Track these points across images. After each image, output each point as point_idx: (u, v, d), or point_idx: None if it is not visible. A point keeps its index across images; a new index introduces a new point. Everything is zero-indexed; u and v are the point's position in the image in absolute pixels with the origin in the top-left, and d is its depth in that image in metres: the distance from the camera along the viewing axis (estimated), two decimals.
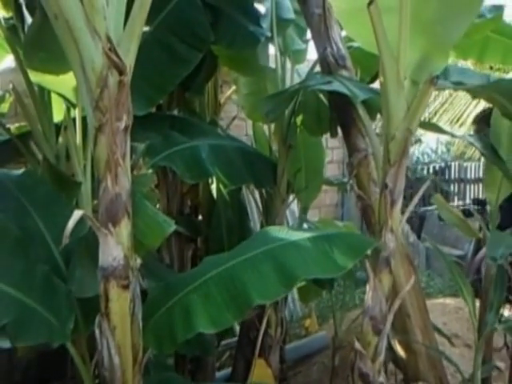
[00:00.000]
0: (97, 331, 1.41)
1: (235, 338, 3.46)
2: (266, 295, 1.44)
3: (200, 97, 2.94)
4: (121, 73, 1.26)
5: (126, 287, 1.39)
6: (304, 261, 1.47)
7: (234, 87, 3.39)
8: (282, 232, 1.64)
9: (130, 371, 1.44)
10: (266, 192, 2.83)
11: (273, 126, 2.81)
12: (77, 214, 1.29)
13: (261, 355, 2.68)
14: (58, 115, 2.30)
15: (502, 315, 2.21)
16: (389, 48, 1.41)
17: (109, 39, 1.22)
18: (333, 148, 5.11)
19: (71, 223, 1.26)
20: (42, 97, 2.25)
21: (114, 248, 1.36)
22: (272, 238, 1.59)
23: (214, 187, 3.09)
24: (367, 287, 1.65)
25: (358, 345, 1.63)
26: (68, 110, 2.16)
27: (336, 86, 1.90)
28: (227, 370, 3.27)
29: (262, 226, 2.94)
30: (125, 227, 1.37)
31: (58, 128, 2.27)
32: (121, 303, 1.39)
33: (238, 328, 3.50)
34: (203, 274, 1.54)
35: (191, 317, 1.45)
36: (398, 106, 1.48)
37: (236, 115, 3.54)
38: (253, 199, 3.17)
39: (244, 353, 2.89)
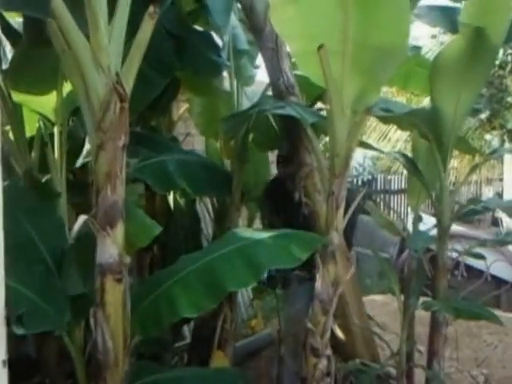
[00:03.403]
0: (91, 320, 1.62)
1: (185, 342, 3.68)
2: (238, 283, 1.75)
3: (160, 115, 3.19)
4: (122, 100, 1.52)
5: (119, 281, 1.62)
6: (268, 254, 1.79)
7: (186, 105, 3.66)
8: (247, 232, 1.96)
9: (121, 354, 1.66)
10: (217, 202, 3.11)
11: (223, 142, 3.10)
12: (81, 219, 1.53)
13: (218, 349, 2.90)
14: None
15: None
16: (334, 83, 1.75)
17: (117, 74, 1.48)
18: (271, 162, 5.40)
19: (77, 226, 1.50)
20: (16, 114, 2.43)
21: (111, 247, 1.59)
22: (240, 238, 1.90)
23: (170, 198, 3.33)
24: (317, 276, 1.99)
25: (309, 324, 1.96)
26: (45, 126, 2.35)
27: (288, 111, 2.22)
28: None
29: (214, 233, 3.23)
30: (120, 229, 1.60)
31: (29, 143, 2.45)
32: (115, 295, 1.61)
33: (188, 334, 3.71)
34: (183, 268, 1.81)
35: (175, 304, 1.70)
36: (341, 129, 1.82)
37: (189, 132, 3.80)
38: (205, 209, 3.43)
39: (198, 351, 3.07)
